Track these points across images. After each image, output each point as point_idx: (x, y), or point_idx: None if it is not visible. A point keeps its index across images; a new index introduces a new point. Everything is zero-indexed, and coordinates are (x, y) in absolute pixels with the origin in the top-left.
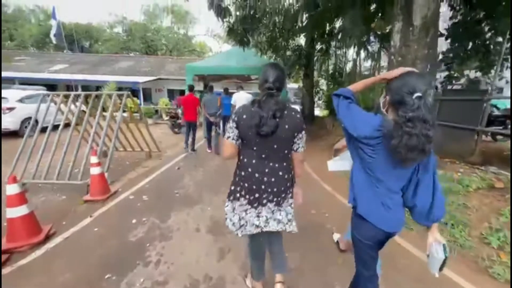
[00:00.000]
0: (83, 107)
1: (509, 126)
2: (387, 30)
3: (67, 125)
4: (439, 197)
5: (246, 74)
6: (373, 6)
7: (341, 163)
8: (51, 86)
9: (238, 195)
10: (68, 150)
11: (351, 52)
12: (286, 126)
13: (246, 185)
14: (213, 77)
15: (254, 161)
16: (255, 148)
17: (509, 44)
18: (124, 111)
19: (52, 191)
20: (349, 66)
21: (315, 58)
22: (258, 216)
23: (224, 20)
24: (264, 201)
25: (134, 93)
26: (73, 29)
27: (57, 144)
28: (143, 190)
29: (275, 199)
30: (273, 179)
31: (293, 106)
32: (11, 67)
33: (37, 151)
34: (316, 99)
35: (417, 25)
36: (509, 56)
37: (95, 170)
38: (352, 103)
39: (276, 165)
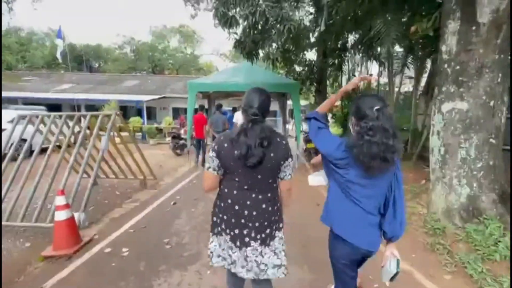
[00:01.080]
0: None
1: None
2: (431, 34)
3: (58, 147)
4: (403, 216)
5: None
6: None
7: (320, 178)
8: (56, 106)
9: (219, 228)
10: (42, 180)
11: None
12: (272, 155)
13: (225, 217)
14: (219, 95)
15: (235, 191)
16: (237, 179)
17: None
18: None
19: (17, 235)
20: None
21: (328, 73)
22: (246, 260)
23: (231, 30)
24: (247, 239)
25: (139, 112)
26: (82, 50)
27: (29, 173)
28: (125, 239)
29: (258, 236)
30: (254, 213)
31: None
32: (16, 87)
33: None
34: (329, 117)
35: (484, 22)
36: None
37: (61, 215)
38: (322, 128)
39: (260, 197)
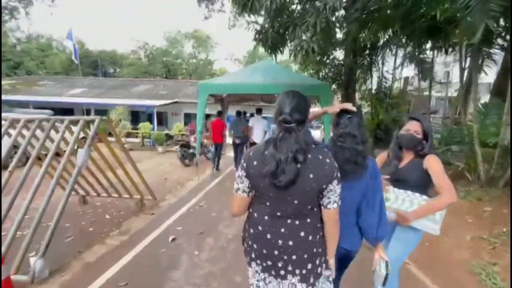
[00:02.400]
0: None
1: None
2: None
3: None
4: (383, 218)
5: (276, 93)
6: None
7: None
8: (68, 110)
9: (249, 258)
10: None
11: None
12: (311, 175)
13: (255, 246)
14: (233, 99)
15: (266, 217)
16: (268, 204)
17: None
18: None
19: None
20: (397, 85)
21: (357, 74)
22: None
23: (251, 19)
24: (282, 272)
25: (150, 117)
26: (97, 56)
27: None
28: None
29: (297, 271)
30: (291, 243)
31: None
32: (29, 91)
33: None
34: None
35: None
36: None
37: None
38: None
39: (296, 222)
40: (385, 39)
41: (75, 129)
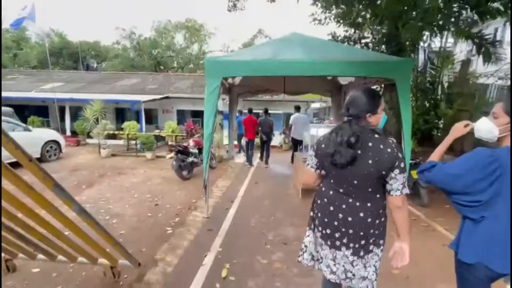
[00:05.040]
0: None
1: None
2: None
3: None
4: None
5: (331, 75)
6: None
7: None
8: (42, 107)
9: (313, 225)
10: None
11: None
12: (370, 161)
13: (319, 214)
14: (247, 88)
15: (331, 192)
16: (332, 181)
17: None
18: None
19: None
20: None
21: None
22: (334, 261)
23: None
24: (337, 243)
25: (138, 115)
26: (78, 47)
27: None
28: None
29: (351, 245)
30: (349, 218)
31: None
32: None
33: None
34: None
35: None
36: None
37: None
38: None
39: (357, 204)
40: None
41: None
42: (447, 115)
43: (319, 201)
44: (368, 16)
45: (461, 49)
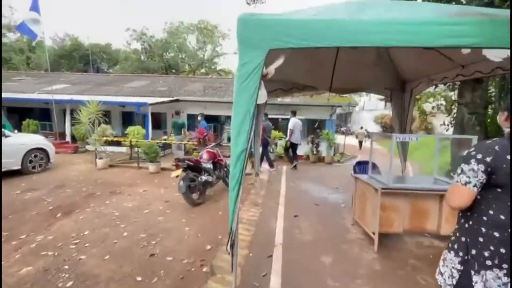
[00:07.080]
0: None
1: None
2: None
3: None
4: None
5: (465, 44)
6: None
7: None
8: (44, 109)
9: (479, 262)
10: None
11: None
12: None
13: (491, 247)
14: (282, 85)
15: (502, 217)
16: (508, 203)
17: None
18: None
19: None
20: None
21: None
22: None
23: None
24: (489, 263)
25: (144, 118)
26: (88, 48)
27: None
28: None
29: (504, 265)
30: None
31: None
32: None
33: None
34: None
35: None
36: None
37: None
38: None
39: None
40: None
41: None
42: None
43: (483, 229)
44: None
45: None
